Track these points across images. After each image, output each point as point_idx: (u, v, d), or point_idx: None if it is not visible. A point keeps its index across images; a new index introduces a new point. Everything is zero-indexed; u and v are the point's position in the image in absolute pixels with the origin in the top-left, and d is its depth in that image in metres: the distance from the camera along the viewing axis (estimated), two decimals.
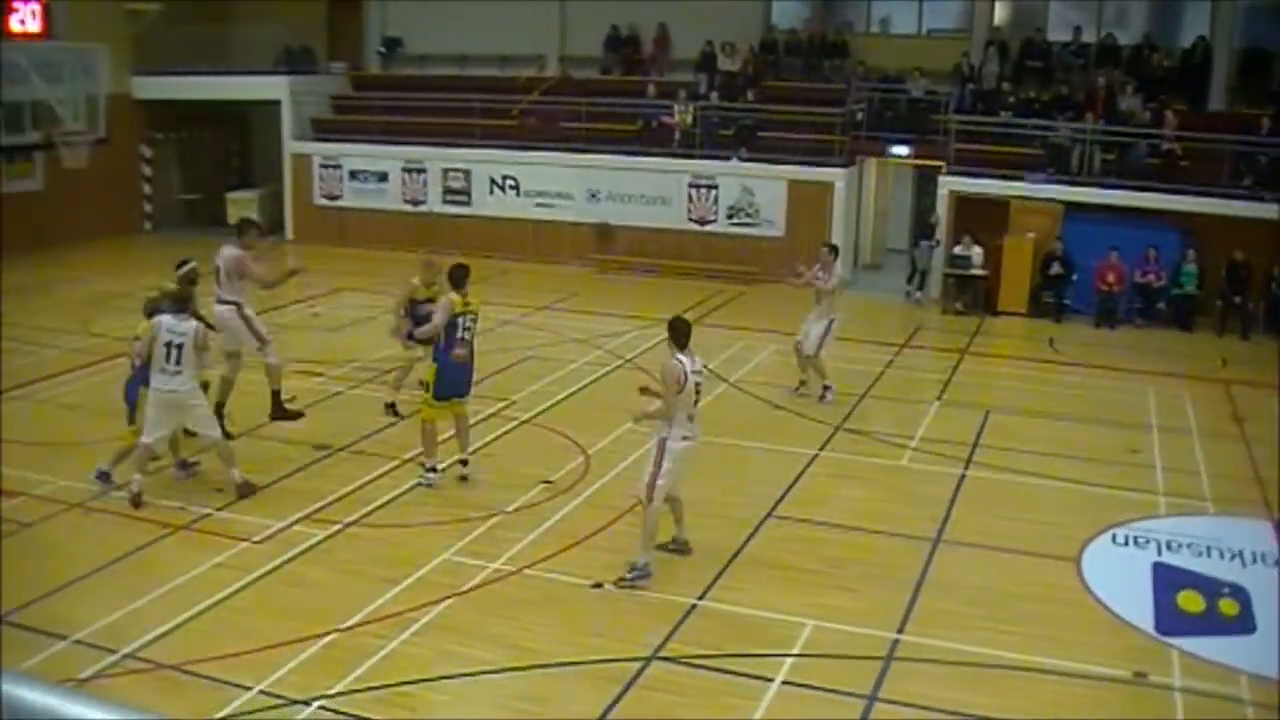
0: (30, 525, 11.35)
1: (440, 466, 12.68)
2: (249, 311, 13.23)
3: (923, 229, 24.56)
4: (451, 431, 12.87)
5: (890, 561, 11.14)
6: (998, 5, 27.18)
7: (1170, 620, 10.10)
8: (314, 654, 9.03)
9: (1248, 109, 23.16)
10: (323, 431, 14.24)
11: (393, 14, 31.17)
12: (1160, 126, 22.58)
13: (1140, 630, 9.92)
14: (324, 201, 28.66)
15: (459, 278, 12.23)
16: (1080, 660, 9.28)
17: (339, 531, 11.42)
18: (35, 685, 2.03)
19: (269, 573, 10.48)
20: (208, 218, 29.31)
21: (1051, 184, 22.79)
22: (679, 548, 10.95)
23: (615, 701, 8.48)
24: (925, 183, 26.04)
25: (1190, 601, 10.49)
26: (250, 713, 8.23)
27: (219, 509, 11.80)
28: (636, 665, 8.98)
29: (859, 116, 25.21)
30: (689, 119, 25.80)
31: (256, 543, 11.07)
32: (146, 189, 29.81)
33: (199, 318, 11.92)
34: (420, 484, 12.52)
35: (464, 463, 12.75)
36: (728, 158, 25.32)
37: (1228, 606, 10.42)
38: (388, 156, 28.00)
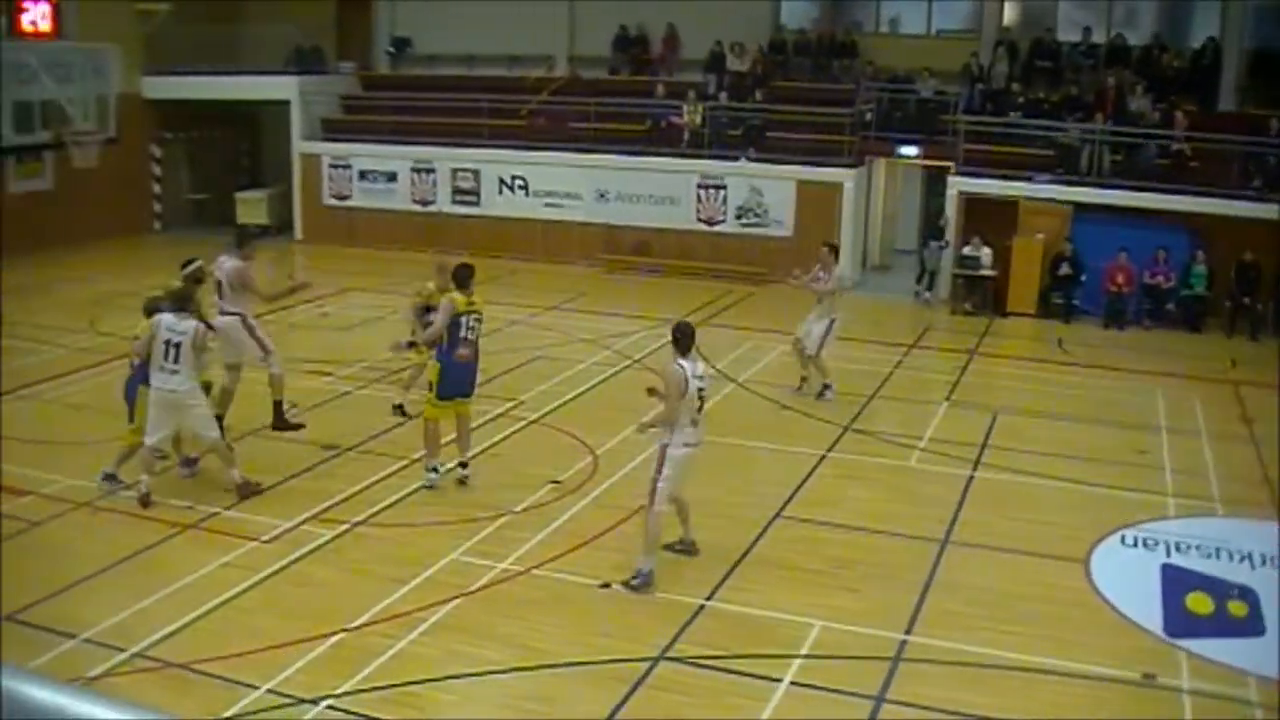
0: (38, 524, 11.37)
1: (442, 468, 12.67)
2: (253, 321, 13.16)
3: (931, 229, 24.54)
4: (454, 434, 12.80)
5: (898, 562, 11.13)
6: (1007, 5, 27.17)
7: (1179, 622, 10.08)
8: (321, 653, 9.04)
9: (1258, 110, 23.10)
10: (331, 431, 14.26)
11: (402, 14, 31.21)
12: (1170, 127, 22.54)
13: (1149, 632, 9.89)
14: (333, 201, 28.69)
15: (463, 278, 12.19)
16: (1088, 662, 9.26)
17: (347, 531, 11.43)
18: (43, 684, 2.03)
19: (277, 572, 10.49)
20: (217, 217, 29.37)
21: (1060, 185, 22.76)
22: (685, 548, 10.95)
23: (623, 702, 8.48)
24: (934, 183, 26.02)
25: (1199, 603, 10.47)
26: (258, 712, 8.23)
27: (227, 508, 11.82)
28: (644, 665, 8.98)
29: (868, 117, 25.19)
30: (698, 119, 25.80)
31: (264, 542, 11.08)
32: (156, 189, 29.87)
33: (200, 317, 11.90)
34: (423, 486, 12.51)
35: (463, 465, 12.69)
36: (736, 158, 25.31)
37: (1237, 608, 10.39)
38: (397, 156, 28.02)
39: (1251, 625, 10.14)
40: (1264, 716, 8.61)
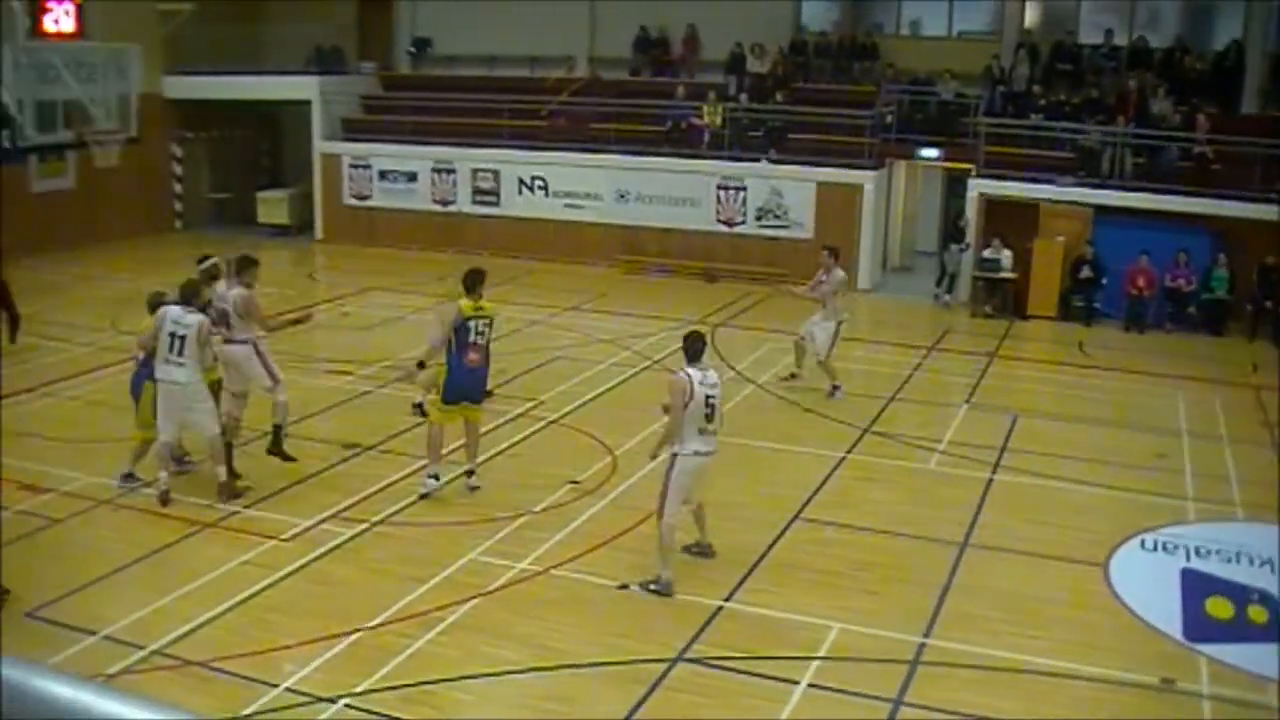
0: (59, 521, 11.45)
1: (444, 477, 12.41)
2: (263, 348, 12.64)
3: (952, 232, 24.46)
4: (463, 441, 12.57)
5: (917, 565, 11.10)
6: (1028, 7, 27.06)
7: (1198, 627, 10.03)
8: (340, 652, 9.07)
9: None
10: (351, 431, 14.30)
11: (422, 14, 31.27)
12: (1192, 130, 22.42)
13: (1168, 636, 9.85)
14: (353, 201, 28.75)
15: (471, 283, 12.00)
16: (1107, 666, 9.22)
17: (366, 530, 11.46)
18: (64, 680, 2.04)
19: (296, 571, 10.53)
20: (238, 216, 29.55)
21: (1082, 187, 22.67)
22: (702, 550, 10.94)
23: (640, 702, 8.48)
24: (955, 185, 25.92)
25: (1219, 608, 10.42)
26: (276, 710, 8.26)
27: (247, 507, 11.87)
28: (662, 666, 8.98)
29: (889, 119, 25.12)
30: (718, 120, 25.78)
31: (284, 541, 11.13)
32: (177, 188, 29.99)
33: (206, 312, 11.83)
34: (421, 494, 12.25)
35: (470, 473, 12.47)
36: (757, 159, 25.27)
37: (1257, 613, 10.34)
38: (417, 157, 28.05)
39: (1272, 630, 10.07)
40: None
